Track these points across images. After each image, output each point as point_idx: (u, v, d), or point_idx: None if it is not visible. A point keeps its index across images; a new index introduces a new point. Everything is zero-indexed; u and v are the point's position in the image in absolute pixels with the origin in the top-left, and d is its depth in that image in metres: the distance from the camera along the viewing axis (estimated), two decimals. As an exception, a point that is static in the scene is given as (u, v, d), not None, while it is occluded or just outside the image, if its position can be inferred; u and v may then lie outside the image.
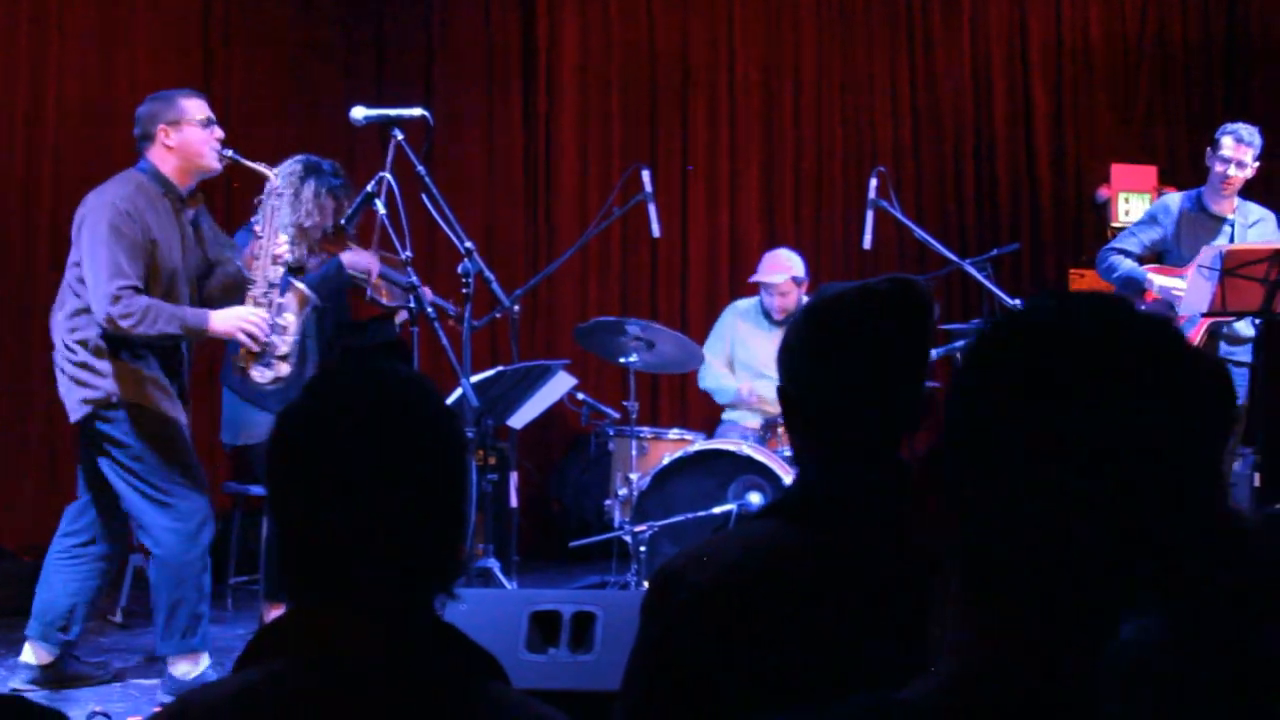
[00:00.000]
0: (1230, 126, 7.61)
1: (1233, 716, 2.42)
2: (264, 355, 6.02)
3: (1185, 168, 8.39)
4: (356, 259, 6.82)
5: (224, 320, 5.94)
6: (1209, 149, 7.66)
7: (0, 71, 8.93)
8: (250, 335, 5.95)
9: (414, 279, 6.23)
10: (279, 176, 6.25)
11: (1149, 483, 1.31)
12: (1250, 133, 7.54)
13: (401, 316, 7.00)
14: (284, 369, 6.06)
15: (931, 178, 10.76)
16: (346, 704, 1.87)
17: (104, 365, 5.85)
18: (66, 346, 5.93)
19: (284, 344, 6.07)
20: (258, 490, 7.16)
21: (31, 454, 8.88)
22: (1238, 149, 7.50)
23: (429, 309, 6.11)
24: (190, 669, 5.98)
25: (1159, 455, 1.31)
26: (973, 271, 7.43)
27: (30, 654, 6.15)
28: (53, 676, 6.13)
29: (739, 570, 2.26)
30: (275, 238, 6.12)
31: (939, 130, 10.79)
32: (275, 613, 6.93)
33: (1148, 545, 1.32)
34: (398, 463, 1.94)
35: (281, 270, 6.11)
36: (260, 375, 6.04)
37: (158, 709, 2.03)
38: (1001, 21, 10.87)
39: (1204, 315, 7.22)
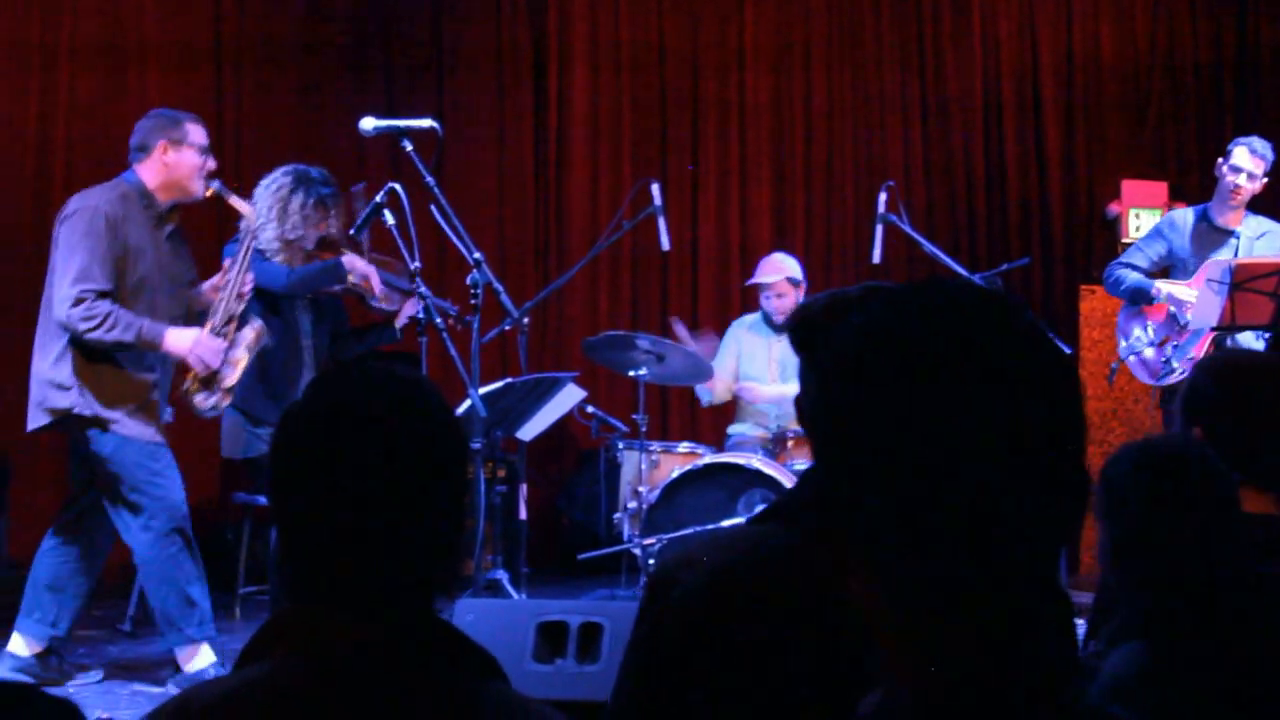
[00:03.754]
0: (1243, 139, 7.59)
1: None
2: (211, 383, 6.08)
3: (1195, 184, 8.38)
4: (354, 263, 6.83)
5: (178, 340, 6.02)
6: (1220, 160, 7.64)
7: (12, 81, 8.96)
8: (203, 360, 6.01)
9: (422, 288, 6.24)
10: (257, 217, 6.29)
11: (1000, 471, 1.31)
12: (1264, 146, 7.53)
13: (403, 320, 7.00)
14: (225, 401, 6.19)
15: (941, 192, 10.75)
16: (346, 701, 1.87)
17: (67, 373, 5.92)
18: (42, 350, 6.01)
19: (232, 377, 6.17)
20: (265, 500, 7.16)
21: (43, 465, 8.88)
22: (1251, 160, 7.49)
23: (434, 314, 6.15)
24: (195, 661, 6.01)
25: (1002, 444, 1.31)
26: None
27: (19, 644, 6.22)
28: (38, 668, 6.17)
29: (731, 573, 2.23)
30: (244, 275, 6.16)
31: (949, 144, 10.78)
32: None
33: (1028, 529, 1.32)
34: (398, 463, 1.95)
35: (243, 306, 6.16)
36: (203, 401, 6.14)
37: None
38: (1012, 36, 10.86)
39: (1212, 329, 7.20)
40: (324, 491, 1.94)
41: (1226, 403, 3.20)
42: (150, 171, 6.09)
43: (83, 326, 5.79)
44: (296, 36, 9.72)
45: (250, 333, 6.25)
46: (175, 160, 6.08)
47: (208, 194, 6.27)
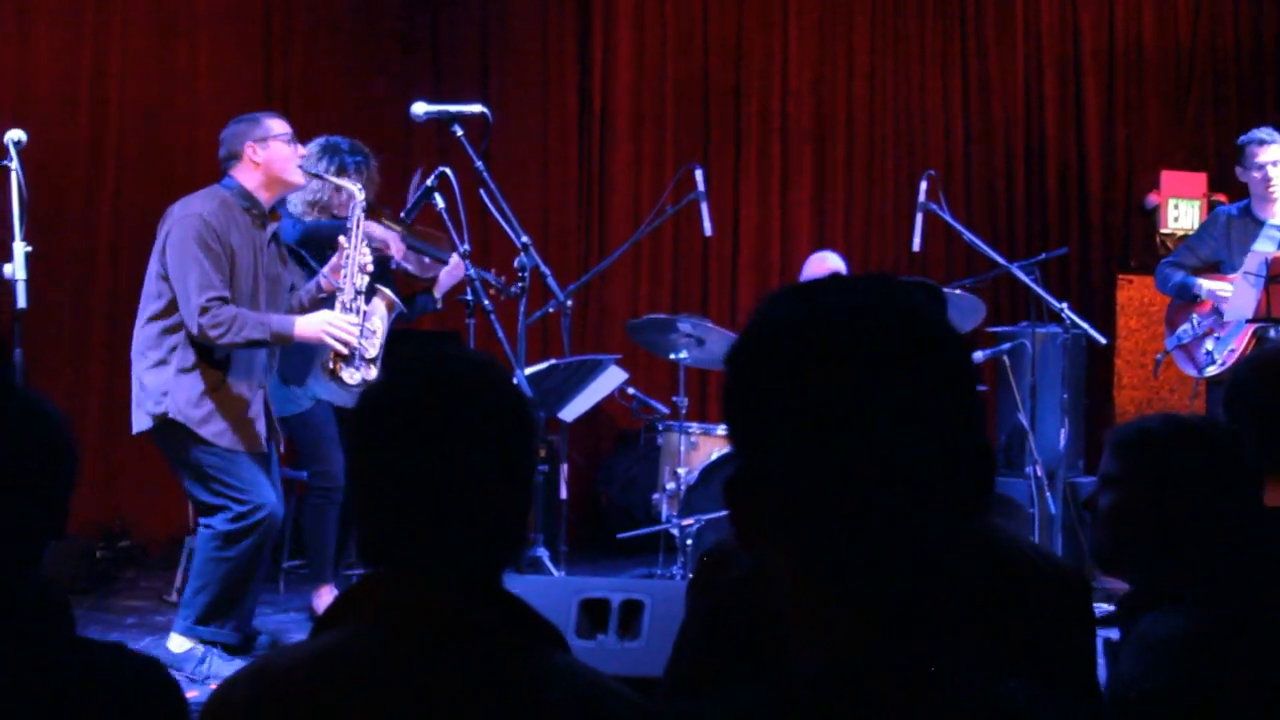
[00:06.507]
0: (1246, 136, 7.66)
1: (1248, 698, 2.54)
2: (353, 358, 6.13)
3: (1235, 175, 8.43)
4: (375, 229, 6.95)
5: (309, 325, 6.06)
6: (1238, 166, 7.71)
7: (63, 64, 9.06)
8: (338, 338, 6.08)
9: (470, 269, 6.34)
10: (360, 190, 6.37)
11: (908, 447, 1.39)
12: (1268, 133, 7.59)
13: (442, 289, 7.19)
14: (372, 371, 6.18)
15: (981, 181, 10.80)
16: (420, 668, 1.97)
17: (165, 380, 5.98)
18: (140, 354, 6.08)
19: (372, 347, 6.20)
20: (304, 475, 7.26)
21: (87, 447, 8.99)
22: (1263, 151, 7.54)
23: (482, 294, 6.25)
24: (176, 645, 6.05)
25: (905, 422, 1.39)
26: (1020, 275, 7.50)
27: None
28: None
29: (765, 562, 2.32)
30: (361, 247, 6.25)
31: (990, 134, 10.83)
32: (325, 595, 7.07)
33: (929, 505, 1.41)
34: (473, 440, 2.05)
35: (367, 279, 6.25)
36: (350, 377, 6.14)
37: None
38: (1054, 25, 10.90)
39: (1249, 321, 7.26)
40: (402, 465, 2.05)
41: (1268, 396, 3.27)
42: (246, 174, 6.14)
43: (214, 334, 5.84)
44: (346, 19, 9.81)
45: (380, 302, 6.31)
46: (266, 157, 6.13)
47: (307, 180, 6.42)
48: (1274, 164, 7.54)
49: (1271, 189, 7.57)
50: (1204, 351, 7.61)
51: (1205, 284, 7.63)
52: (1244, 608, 2.63)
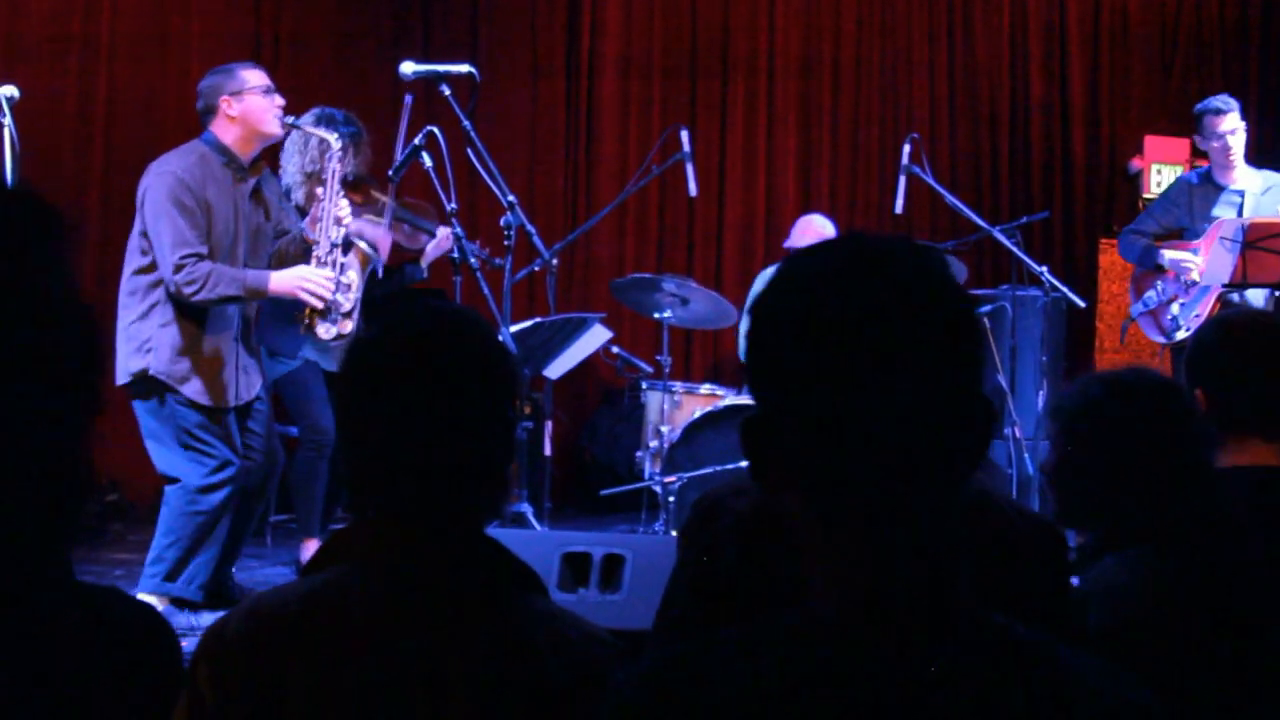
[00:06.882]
0: (1202, 106, 7.71)
1: (1191, 638, 2.65)
2: (329, 312, 6.15)
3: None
4: (366, 229, 7.01)
5: (284, 280, 6.08)
6: (1197, 136, 7.78)
7: (54, 26, 9.09)
8: (313, 293, 6.11)
9: (457, 228, 6.40)
10: (337, 140, 6.41)
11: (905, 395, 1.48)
12: (1224, 101, 7.65)
13: (428, 259, 7.23)
14: (348, 325, 6.19)
15: (965, 145, 10.85)
16: (402, 608, 2.05)
17: (148, 335, 6.00)
18: (123, 309, 6.11)
19: (348, 301, 6.22)
20: (295, 431, 7.32)
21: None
22: (1221, 120, 7.61)
23: (469, 253, 6.31)
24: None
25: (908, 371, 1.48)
26: (1002, 238, 7.56)
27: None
28: None
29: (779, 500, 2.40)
30: (337, 200, 6.28)
31: (974, 98, 10.87)
32: (312, 548, 7.13)
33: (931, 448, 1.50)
34: (456, 390, 2.12)
35: (343, 231, 6.28)
36: (325, 332, 6.18)
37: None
38: (1041, -8, 10.96)
39: (1224, 286, 7.34)
40: (388, 415, 2.12)
41: (1230, 356, 3.34)
42: (223, 128, 6.13)
43: (188, 291, 5.86)
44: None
45: (355, 255, 6.35)
46: (242, 111, 6.12)
47: (286, 130, 6.41)
48: (1232, 132, 7.60)
49: (1231, 157, 7.63)
50: (1169, 317, 7.69)
51: (1168, 254, 7.70)
52: (1189, 553, 2.75)
